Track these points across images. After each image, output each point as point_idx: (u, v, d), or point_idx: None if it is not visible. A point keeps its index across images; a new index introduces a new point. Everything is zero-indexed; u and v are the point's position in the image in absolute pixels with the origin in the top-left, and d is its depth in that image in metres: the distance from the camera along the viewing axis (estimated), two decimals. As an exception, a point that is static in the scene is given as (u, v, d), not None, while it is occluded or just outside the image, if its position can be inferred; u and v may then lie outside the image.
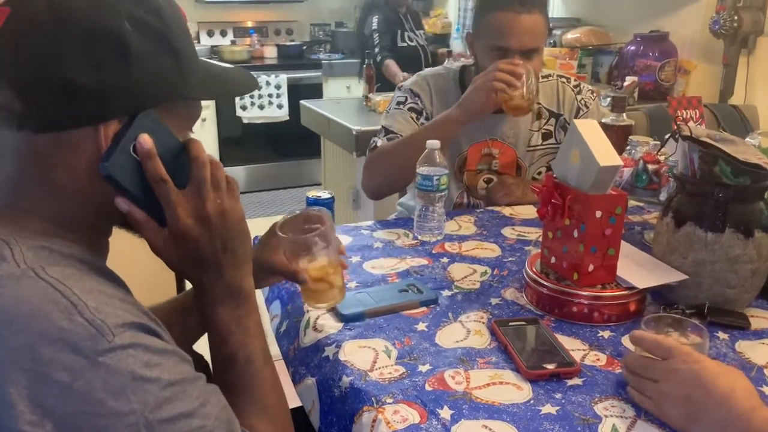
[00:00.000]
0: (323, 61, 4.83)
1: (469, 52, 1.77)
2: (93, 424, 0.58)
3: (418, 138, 1.53)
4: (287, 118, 4.71)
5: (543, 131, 1.74)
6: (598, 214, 1.05)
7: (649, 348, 0.86)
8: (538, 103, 1.74)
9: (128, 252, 0.89)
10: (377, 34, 3.67)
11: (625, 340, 1.03)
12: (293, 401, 1.05)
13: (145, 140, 0.69)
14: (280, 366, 1.07)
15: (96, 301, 0.61)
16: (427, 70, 1.81)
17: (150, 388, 0.60)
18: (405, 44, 3.69)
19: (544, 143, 1.75)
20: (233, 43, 4.98)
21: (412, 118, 1.70)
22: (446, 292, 1.18)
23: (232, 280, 0.76)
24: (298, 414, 1.04)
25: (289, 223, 0.99)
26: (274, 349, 1.16)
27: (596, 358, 0.97)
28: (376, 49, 3.62)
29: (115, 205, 0.70)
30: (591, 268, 1.07)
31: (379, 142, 1.70)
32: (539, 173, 1.76)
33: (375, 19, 3.70)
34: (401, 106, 1.72)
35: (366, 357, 0.97)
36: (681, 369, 0.81)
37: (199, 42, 4.90)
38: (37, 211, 0.69)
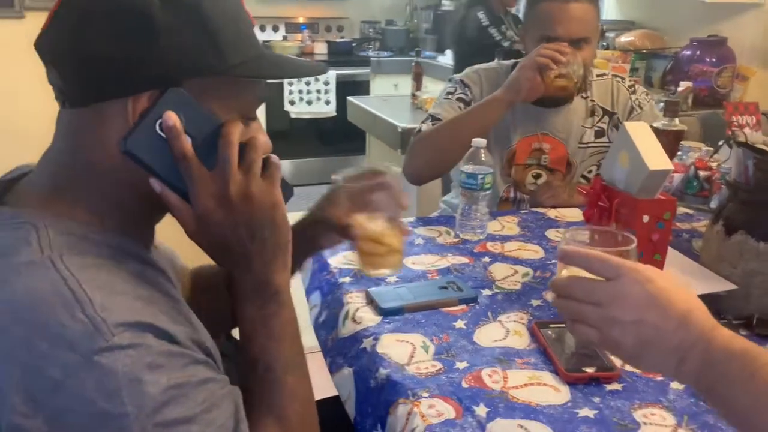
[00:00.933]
0: (372, 59, 4.84)
1: (522, 47, 1.76)
2: (83, 423, 0.57)
3: (462, 118, 1.55)
4: (334, 113, 4.74)
5: (596, 129, 1.72)
6: (646, 218, 1.03)
7: (592, 267, 0.71)
8: (592, 101, 1.72)
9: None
10: (493, 29, 3.60)
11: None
12: (330, 391, 1.07)
13: (171, 116, 0.67)
14: (315, 358, 1.08)
15: (104, 298, 0.60)
16: (481, 65, 1.81)
17: (147, 390, 0.58)
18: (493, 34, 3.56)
19: (596, 140, 1.73)
20: (285, 38, 5.03)
21: (460, 108, 1.70)
22: (486, 292, 1.18)
23: (261, 274, 0.72)
24: (334, 403, 1.06)
25: (353, 176, 0.93)
26: (309, 340, 1.18)
27: (637, 365, 0.96)
28: (506, 43, 3.53)
29: (149, 185, 0.69)
30: (636, 273, 1.05)
31: (424, 127, 1.70)
32: (589, 171, 1.74)
33: (482, 15, 3.62)
34: (450, 96, 1.73)
35: (403, 351, 0.98)
36: (631, 291, 0.67)
37: (250, 36, 4.97)
38: (76, 193, 0.69)
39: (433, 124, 1.68)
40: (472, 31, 3.53)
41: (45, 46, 0.69)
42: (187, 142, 0.68)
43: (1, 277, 0.62)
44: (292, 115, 4.71)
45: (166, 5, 0.67)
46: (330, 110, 4.76)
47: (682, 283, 0.70)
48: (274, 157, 0.73)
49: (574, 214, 1.57)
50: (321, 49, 4.98)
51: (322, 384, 0.83)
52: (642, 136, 1.05)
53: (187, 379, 0.62)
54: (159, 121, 0.67)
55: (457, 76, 1.77)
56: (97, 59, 0.66)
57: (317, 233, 0.98)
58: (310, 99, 4.71)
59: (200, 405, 0.62)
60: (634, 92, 1.74)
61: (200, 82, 0.69)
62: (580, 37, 1.57)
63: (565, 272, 0.75)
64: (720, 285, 1.07)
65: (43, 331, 0.58)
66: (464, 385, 0.90)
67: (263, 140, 0.72)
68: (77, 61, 0.67)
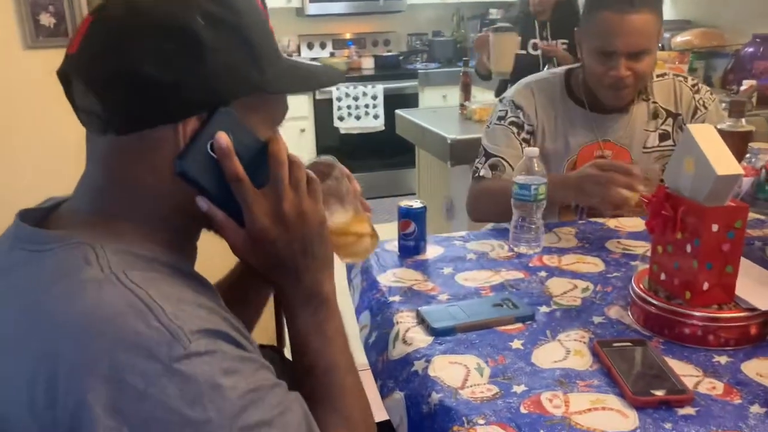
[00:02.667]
0: (419, 71, 4.83)
1: (578, 51, 1.69)
2: (168, 431, 0.57)
3: None
4: (383, 128, 4.74)
5: (660, 132, 1.64)
6: (715, 227, 0.96)
7: None
8: (654, 102, 1.64)
9: (217, 252, 0.89)
10: None
11: (745, 367, 0.93)
12: (381, 414, 1.03)
13: (222, 137, 0.68)
14: (366, 376, 1.05)
15: (173, 307, 0.61)
16: (532, 77, 1.74)
17: (227, 396, 0.59)
18: (523, 52, 3.28)
19: (661, 144, 1.65)
20: (332, 55, 5.07)
21: (513, 134, 1.64)
22: (544, 309, 1.12)
23: (312, 285, 0.75)
24: (385, 428, 1.01)
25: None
26: (361, 358, 1.15)
27: (712, 386, 0.88)
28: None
29: (196, 204, 0.70)
30: (706, 286, 0.98)
31: (482, 171, 1.66)
32: None
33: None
34: (502, 122, 1.67)
35: (457, 374, 0.93)
36: None
37: (299, 54, 5.03)
38: (122, 215, 0.70)
39: (490, 165, 1.64)
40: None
41: (78, 70, 0.68)
42: (238, 163, 0.69)
43: (68, 293, 0.62)
44: (342, 131, 4.73)
45: (209, 24, 0.67)
46: (379, 124, 4.76)
47: None
48: (311, 173, 0.75)
49: (636, 224, 1.50)
50: (368, 63, 5.00)
51: (374, 406, 0.81)
52: (708, 139, 0.98)
53: (261, 384, 0.63)
54: (210, 141, 0.68)
55: (508, 96, 1.70)
56: (146, 84, 0.65)
57: None
58: (358, 114, 4.72)
59: (276, 408, 0.63)
60: (697, 91, 1.66)
61: (244, 101, 0.70)
62: (639, 51, 1.49)
63: None
64: (801, 297, 0.98)
65: (121, 342, 0.58)
66: (523, 410, 0.84)
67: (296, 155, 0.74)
68: (122, 86, 0.66)
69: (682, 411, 0.83)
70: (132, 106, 0.66)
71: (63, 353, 0.58)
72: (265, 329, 1.12)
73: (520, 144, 1.64)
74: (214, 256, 0.87)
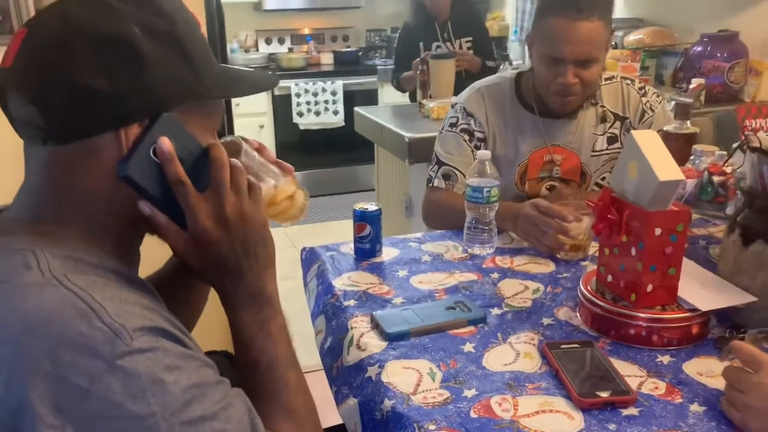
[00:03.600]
0: (379, 67, 4.82)
1: (528, 55, 1.71)
2: (112, 427, 0.59)
3: None
4: (343, 124, 4.73)
5: (608, 135, 1.67)
6: (658, 231, 0.99)
7: (742, 359, 0.85)
8: (602, 107, 1.67)
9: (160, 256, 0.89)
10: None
11: (687, 366, 0.96)
12: (337, 419, 1.04)
13: (164, 142, 0.70)
14: (317, 376, 1.05)
15: (116, 307, 0.62)
16: (482, 81, 1.75)
17: (170, 390, 0.61)
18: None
19: (609, 147, 1.68)
20: (290, 50, 5.03)
21: (465, 141, 1.66)
22: (496, 311, 1.14)
23: (254, 284, 0.77)
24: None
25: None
26: (313, 359, 1.15)
27: (654, 386, 0.91)
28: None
29: (139, 209, 0.71)
30: (650, 288, 1.01)
31: (436, 180, 1.67)
32: (603, 179, 1.69)
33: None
34: (453, 128, 1.68)
35: (409, 379, 0.94)
36: (766, 383, 0.80)
37: (257, 50, 4.97)
38: (65, 222, 0.71)
39: (443, 174, 1.66)
40: None
41: (15, 82, 0.68)
42: (180, 167, 0.71)
43: (7, 298, 0.62)
44: (301, 127, 4.71)
45: (146, 34, 0.69)
46: (338, 120, 4.75)
47: None
48: (252, 178, 0.77)
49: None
50: (327, 59, 4.97)
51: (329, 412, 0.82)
52: (651, 146, 1.01)
53: (203, 380, 0.64)
54: (153, 146, 0.70)
55: (460, 103, 1.71)
56: (86, 94, 0.66)
57: None
58: (318, 110, 4.70)
59: (218, 403, 0.64)
60: (644, 95, 1.69)
61: (183, 106, 0.73)
62: (586, 59, 1.50)
63: (736, 362, 0.87)
64: (739, 297, 1.02)
65: (64, 342, 0.59)
66: (473, 415, 0.86)
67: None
68: (64, 97, 0.66)
69: (625, 412, 0.86)
70: (73, 116, 0.67)
71: (4, 356, 0.59)
72: (215, 333, 1.11)
73: (472, 151, 1.65)
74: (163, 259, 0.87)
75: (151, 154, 0.70)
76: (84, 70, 0.66)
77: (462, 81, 3.14)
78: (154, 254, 0.86)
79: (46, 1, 0.72)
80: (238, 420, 0.66)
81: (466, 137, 1.66)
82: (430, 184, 1.69)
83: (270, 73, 0.91)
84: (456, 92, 3.03)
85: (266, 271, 0.78)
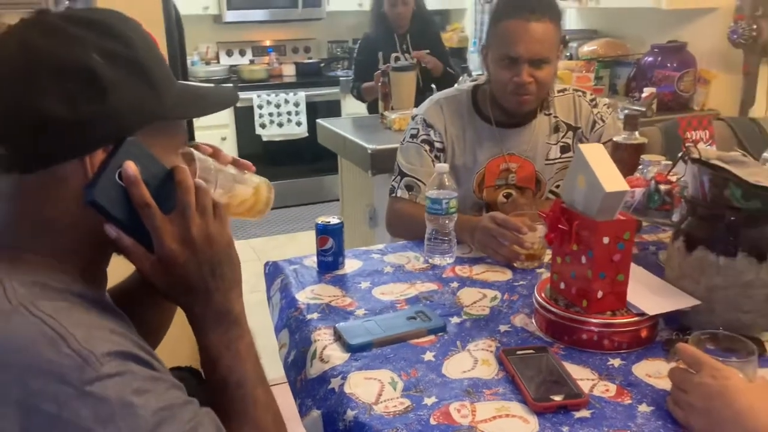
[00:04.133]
0: (341, 78, 4.85)
1: (483, 66, 1.77)
2: None
3: None
4: (306, 135, 4.74)
5: (561, 144, 1.74)
6: (606, 240, 1.03)
7: (685, 361, 0.89)
8: (555, 117, 1.73)
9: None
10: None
11: (636, 369, 1.01)
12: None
13: (130, 166, 0.71)
14: (282, 389, 1.07)
15: (84, 332, 0.63)
16: (441, 93, 1.81)
17: (139, 414, 0.61)
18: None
19: (562, 156, 1.74)
20: (252, 62, 5.03)
21: (426, 151, 1.70)
22: (455, 319, 1.17)
23: (221, 305, 0.78)
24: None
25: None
26: (278, 372, 1.17)
27: (605, 389, 0.96)
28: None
29: (105, 232, 0.72)
30: (600, 294, 1.05)
31: (399, 191, 1.71)
32: (557, 186, 1.75)
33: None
34: (414, 139, 1.73)
35: (371, 389, 0.97)
36: (707, 383, 0.84)
37: (218, 62, 4.96)
38: (30, 248, 0.71)
39: (405, 185, 1.70)
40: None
41: None
42: (146, 190, 0.72)
43: None
44: (264, 138, 4.70)
45: (106, 60, 0.70)
46: (301, 131, 4.76)
47: (759, 384, 0.85)
48: (217, 198, 0.79)
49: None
50: (289, 71, 4.99)
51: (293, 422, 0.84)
52: (598, 158, 1.05)
53: (172, 402, 0.65)
54: (118, 171, 0.71)
55: (420, 114, 1.76)
56: (50, 123, 0.67)
57: None
58: (281, 121, 4.70)
59: (188, 423, 0.65)
60: (595, 106, 1.76)
61: (146, 129, 0.74)
62: (540, 58, 1.57)
63: (681, 363, 0.91)
64: (685, 301, 1.07)
65: (33, 370, 0.59)
66: (432, 422, 0.89)
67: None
68: (27, 128, 0.67)
69: (578, 414, 0.90)
70: (37, 146, 0.68)
71: None
72: (181, 349, 1.12)
73: (432, 161, 1.70)
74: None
75: (117, 179, 0.71)
76: (46, 100, 0.66)
77: (423, 93, 3.19)
78: (125, 273, 0.87)
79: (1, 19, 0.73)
80: None
81: (427, 148, 1.71)
82: (393, 194, 1.73)
83: (230, 87, 0.92)
84: (417, 104, 3.08)
85: (233, 291, 0.79)
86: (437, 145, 1.71)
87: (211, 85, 0.87)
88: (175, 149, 0.80)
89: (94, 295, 0.73)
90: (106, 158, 0.71)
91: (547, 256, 1.38)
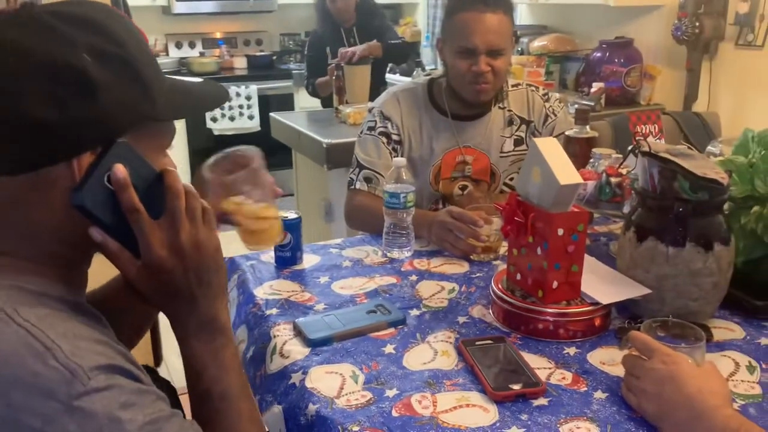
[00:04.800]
0: (294, 71, 4.81)
1: (440, 59, 1.79)
2: None
3: None
4: (258, 128, 4.69)
5: (515, 137, 1.78)
6: (560, 231, 1.05)
7: (637, 347, 0.92)
8: (509, 111, 1.77)
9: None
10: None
11: (591, 357, 1.04)
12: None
13: (119, 170, 0.68)
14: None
15: (70, 344, 0.61)
16: (397, 86, 1.83)
17: (126, 429, 0.60)
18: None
19: (516, 149, 1.78)
20: (202, 54, 4.94)
21: (383, 143, 1.71)
22: (414, 312, 1.18)
23: (207, 312, 0.75)
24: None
25: (218, 164, 0.98)
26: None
27: (562, 377, 0.98)
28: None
29: (89, 235, 0.70)
30: (555, 284, 1.08)
31: (358, 183, 1.71)
32: (511, 179, 1.79)
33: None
34: (372, 132, 1.73)
35: (333, 383, 0.97)
36: (658, 368, 0.87)
37: (167, 54, 4.85)
38: (10, 250, 0.69)
39: (364, 177, 1.70)
40: None
41: None
42: (135, 194, 0.69)
43: None
44: (216, 132, 4.63)
45: (96, 60, 0.67)
46: (254, 125, 4.70)
47: (707, 368, 0.88)
48: (205, 203, 0.76)
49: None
50: (240, 63, 4.92)
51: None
52: (551, 152, 1.08)
53: (158, 415, 0.64)
54: (107, 174, 0.68)
55: (377, 107, 1.77)
56: (37, 126, 0.64)
57: None
58: (232, 115, 4.64)
59: None
60: (547, 100, 1.80)
61: (135, 130, 0.71)
62: (495, 48, 1.61)
63: (633, 350, 0.93)
64: (636, 290, 1.10)
65: (18, 383, 0.58)
66: (394, 414, 0.89)
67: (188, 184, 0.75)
68: (13, 130, 0.64)
69: (536, 402, 0.92)
70: (23, 149, 0.65)
71: None
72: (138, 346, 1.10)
73: (390, 153, 1.71)
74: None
75: (106, 182, 0.68)
76: (34, 102, 0.64)
77: (377, 87, 3.19)
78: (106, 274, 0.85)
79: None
80: None
81: (384, 140, 1.72)
82: (352, 187, 1.73)
83: (217, 83, 0.90)
84: (371, 97, 3.08)
85: (218, 299, 0.77)
86: (394, 137, 1.72)
87: (199, 80, 0.83)
88: (163, 149, 0.77)
89: (74, 299, 0.71)
90: (94, 161, 0.68)
91: (503, 248, 1.41)
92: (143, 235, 0.70)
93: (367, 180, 1.71)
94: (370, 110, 1.80)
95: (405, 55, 3.52)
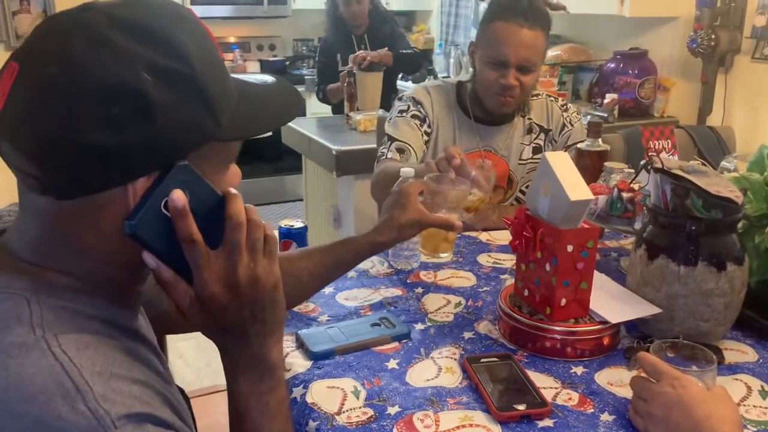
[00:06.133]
0: (306, 77, 4.82)
1: (470, 64, 1.80)
2: None
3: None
4: (270, 133, 4.69)
5: (534, 145, 1.79)
6: (570, 248, 1.03)
7: (646, 369, 0.90)
8: (530, 119, 1.79)
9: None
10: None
11: (599, 377, 1.01)
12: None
13: (178, 197, 0.63)
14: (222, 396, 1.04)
15: (104, 386, 0.58)
16: (427, 82, 1.87)
17: None
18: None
19: (534, 157, 1.80)
20: (216, 58, 4.96)
21: (417, 125, 1.73)
22: (419, 326, 1.16)
23: (258, 351, 0.71)
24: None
25: (437, 179, 1.27)
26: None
27: (568, 397, 0.96)
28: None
29: (143, 259, 0.66)
30: (563, 302, 1.06)
31: (389, 154, 1.70)
32: (527, 187, 1.79)
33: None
34: (404, 114, 1.75)
35: (334, 398, 0.95)
36: (666, 392, 0.85)
37: (181, 57, 4.88)
38: (64, 270, 0.65)
39: (396, 148, 1.69)
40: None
41: (6, 132, 0.61)
42: (193, 223, 0.64)
43: None
44: (227, 137, 4.64)
45: (157, 78, 0.60)
46: (265, 130, 4.71)
47: (717, 393, 0.86)
48: (270, 229, 0.71)
49: (506, 237, 1.57)
50: (253, 68, 4.94)
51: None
52: (562, 166, 1.06)
53: None
54: (164, 199, 0.64)
55: (408, 93, 1.79)
56: (90, 151, 0.59)
57: (398, 234, 1.18)
58: (244, 119, 4.65)
59: None
60: (566, 110, 1.83)
61: (197, 151, 0.65)
62: (527, 65, 1.61)
63: (641, 371, 0.92)
64: (646, 309, 1.08)
65: (41, 425, 0.55)
66: (395, 432, 0.88)
67: (255, 212, 0.69)
68: (65, 154, 0.59)
69: (541, 423, 0.90)
70: (75, 174, 0.60)
71: None
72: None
73: (422, 136, 1.72)
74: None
75: (162, 208, 0.64)
76: (88, 126, 0.59)
77: (388, 94, 3.18)
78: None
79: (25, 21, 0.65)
80: None
81: (417, 122, 1.74)
82: (383, 158, 1.72)
83: (291, 89, 0.78)
84: (383, 105, 3.07)
85: (273, 336, 0.72)
86: (428, 121, 1.75)
87: (273, 79, 0.75)
88: (226, 166, 0.71)
89: (125, 323, 0.68)
90: (151, 186, 0.63)
91: (511, 261, 1.39)
92: (198, 268, 0.66)
93: (400, 150, 1.71)
94: (399, 98, 1.81)
95: (416, 64, 3.50)
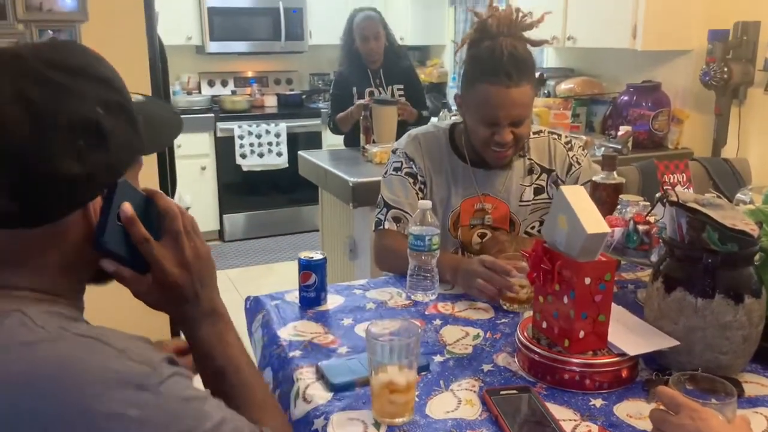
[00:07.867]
0: (322, 110, 4.89)
1: (459, 112, 1.78)
2: None
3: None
4: (286, 165, 4.76)
5: (535, 186, 1.75)
6: (588, 280, 1.05)
7: (664, 402, 0.90)
8: (530, 159, 1.75)
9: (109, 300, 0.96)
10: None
11: (617, 409, 1.02)
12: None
13: (128, 208, 0.76)
14: None
15: (130, 345, 0.68)
16: (419, 129, 1.83)
17: (194, 405, 0.68)
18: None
19: (536, 198, 1.75)
20: (234, 93, 5.06)
21: (410, 184, 1.72)
22: (438, 358, 1.17)
23: (208, 305, 0.84)
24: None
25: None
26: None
27: (588, 430, 0.96)
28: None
29: (101, 266, 0.76)
30: (582, 334, 1.07)
31: (386, 223, 1.70)
32: (532, 228, 1.76)
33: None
34: (398, 172, 1.74)
35: (354, 430, 0.96)
36: (685, 424, 0.84)
37: (200, 92, 4.98)
38: (28, 286, 0.73)
39: (393, 216, 1.70)
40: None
41: None
42: (142, 226, 0.77)
43: (18, 357, 0.64)
44: (245, 168, 4.71)
45: (105, 110, 0.72)
46: (282, 162, 4.78)
47: (738, 424, 0.85)
48: (189, 215, 0.84)
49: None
50: (271, 102, 5.03)
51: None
52: (578, 200, 1.07)
53: (203, 393, 0.72)
54: (117, 212, 0.75)
55: (401, 148, 1.77)
56: (61, 181, 0.69)
57: None
58: (261, 152, 4.72)
59: (218, 408, 0.72)
60: (570, 149, 1.77)
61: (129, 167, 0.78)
62: (518, 120, 1.59)
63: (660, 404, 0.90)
64: (663, 342, 1.09)
65: (108, 382, 0.63)
66: (416, 464, 0.88)
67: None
68: (39, 188, 0.68)
69: (561, 455, 0.90)
70: (48, 203, 0.70)
71: (42, 411, 0.60)
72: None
73: (417, 194, 1.71)
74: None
75: (116, 220, 0.75)
76: (57, 159, 0.68)
77: (404, 127, 3.23)
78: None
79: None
80: (239, 417, 0.73)
81: (411, 180, 1.72)
82: (380, 227, 1.72)
83: (168, 106, 1.06)
84: (398, 138, 3.11)
85: (214, 290, 0.85)
86: (420, 177, 1.73)
87: (142, 98, 0.87)
88: (138, 173, 0.83)
89: (84, 321, 0.76)
90: (104, 204, 0.75)
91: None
92: (155, 260, 0.78)
93: (396, 220, 1.70)
94: (393, 152, 1.81)
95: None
